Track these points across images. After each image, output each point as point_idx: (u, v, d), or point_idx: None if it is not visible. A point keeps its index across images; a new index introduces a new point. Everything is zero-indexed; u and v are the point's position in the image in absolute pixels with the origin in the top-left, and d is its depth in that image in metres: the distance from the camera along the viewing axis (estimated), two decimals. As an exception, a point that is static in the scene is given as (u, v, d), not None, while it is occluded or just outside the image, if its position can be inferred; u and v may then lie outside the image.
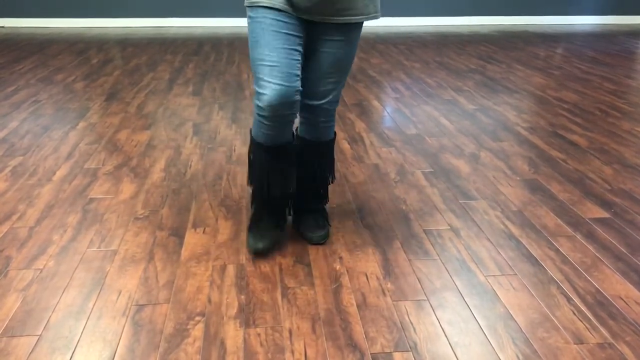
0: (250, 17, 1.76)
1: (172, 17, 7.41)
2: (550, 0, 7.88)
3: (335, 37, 1.79)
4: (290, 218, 2.19)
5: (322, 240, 2.08)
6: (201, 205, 2.37)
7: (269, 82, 1.70)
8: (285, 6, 1.70)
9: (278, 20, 1.70)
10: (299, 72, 1.74)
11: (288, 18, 1.71)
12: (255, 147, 1.89)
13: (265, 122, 1.78)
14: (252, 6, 1.75)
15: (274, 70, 1.69)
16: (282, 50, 1.70)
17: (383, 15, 7.63)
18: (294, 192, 2.02)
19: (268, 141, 1.83)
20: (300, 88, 1.75)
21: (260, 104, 1.74)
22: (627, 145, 3.11)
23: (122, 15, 7.35)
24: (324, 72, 1.85)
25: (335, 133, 2.08)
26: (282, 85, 1.70)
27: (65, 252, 2.01)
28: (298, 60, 1.73)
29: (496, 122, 3.52)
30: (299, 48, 1.75)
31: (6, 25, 7.28)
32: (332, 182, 2.16)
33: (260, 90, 1.72)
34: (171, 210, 2.33)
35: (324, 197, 2.16)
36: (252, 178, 1.96)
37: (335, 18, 1.74)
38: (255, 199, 1.99)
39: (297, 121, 1.96)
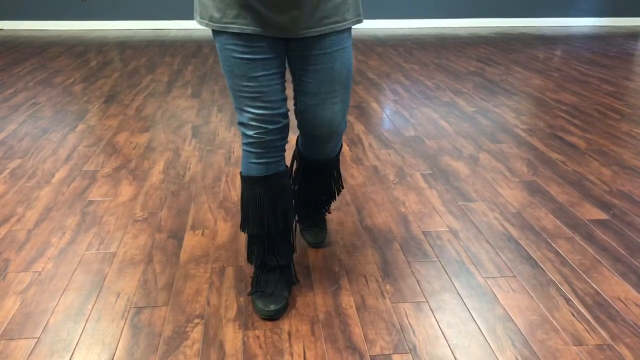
0: (218, 42, 1.55)
1: (171, 19, 7.41)
2: (548, 2, 7.89)
3: (326, 49, 1.58)
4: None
5: (322, 245, 2.08)
6: (200, 208, 2.37)
7: (254, 112, 1.57)
8: (258, 29, 1.50)
9: (251, 46, 1.51)
10: (283, 96, 1.60)
11: (262, 41, 1.52)
12: (247, 184, 1.68)
13: (255, 151, 1.63)
14: (217, 31, 1.54)
15: (256, 101, 1.56)
16: (261, 78, 1.54)
17: (382, 18, 7.64)
18: (293, 225, 1.77)
19: (260, 172, 1.65)
20: (287, 111, 1.62)
21: (247, 133, 1.61)
22: (626, 147, 3.11)
23: (121, 18, 7.36)
24: (325, 92, 1.63)
25: (341, 145, 1.91)
26: (267, 113, 1.57)
27: (64, 255, 2.01)
28: (279, 83, 1.59)
29: (495, 124, 3.52)
30: (279, 69, 1.58)
31: (5, 27, 7.28)
32: (339, 194, 2.10)
33: (245, 121, 1.60)
34: (170, 213, 2.33)
35: (328, 206, 2.08)
36: (248, 220, 1.70)
37: (317, 29, 1.53)
38: (255, 246, 1.74)
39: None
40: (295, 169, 1.97)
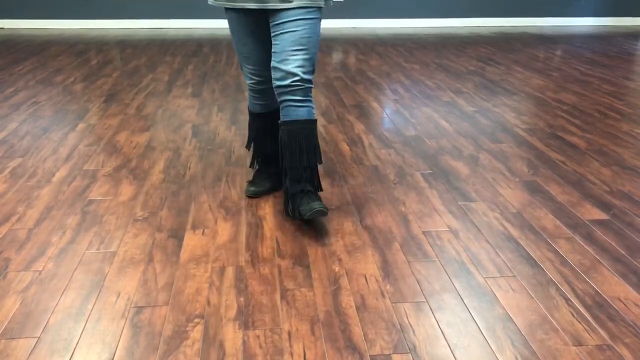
0: (226, 16, 2.22)
1: (171, 18, 7.41)
2: (549, 2, 7.89)
3: (290, 18, 2.03)
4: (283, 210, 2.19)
5: (323, 209, 2.07)
6: (200, 207, 2.37)
7: (248, 67, 2.27)
8: (237, 4, 2.07)
9: (239, 18, 2.16)
10: (267, 56, 2.22)
11: (248, 16, 2.14)
12: (251, 115, 2.43)
13: (254, 94, 2.34)
14: (225, 8, 2.18)
15: (248, 61, 2.25)
16: (249, 44, 2.21)
17: (383, 17, 7.64)
18: (276, 151, 2.42)
19: (258, 109, 2.38)
20: (268, 71, 2.22)
21: (247, 82, 2.33)
22: (626, 147, 3.11)
23: (122, 17, 7.36)
24: (287, 51, 2.06)
25: (316, 119, 2.18)
26: (256, 69, 2.26)
27: (65, 254, 2.01)
28: (265, 49, 2.21)
29: (495, 123, 3.52)
30: (264, 39, 2.19)
31: (6, 26, 7.28)
32: (320, 163, 2.21)
33: (245, 73, 2.31)
34: (170, 212, 2.33)
35: (316, 180, 2.19)
36: (250, 138, 2.46)
37: (280, 4, 2.02)
38: (255, 156, 2.50)
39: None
40: (280, 139, 2.20)
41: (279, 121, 2.18)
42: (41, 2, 7.21)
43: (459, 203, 2.43)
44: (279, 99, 2.15)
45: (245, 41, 2.20)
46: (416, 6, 7.69)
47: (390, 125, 3.46)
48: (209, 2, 2.16)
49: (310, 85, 2.12)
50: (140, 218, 2.28)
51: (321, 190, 2.26)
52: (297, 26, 2.04)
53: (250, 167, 2.64)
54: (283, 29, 2.05)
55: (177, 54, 5.71)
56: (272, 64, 2.10)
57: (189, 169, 2.77)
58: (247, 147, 2.50)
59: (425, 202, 2.44)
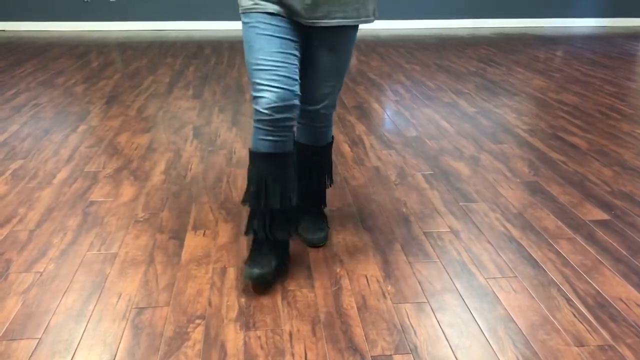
0: (244, 23, 1.72)
1: (172, 20, 7.42)
2: (549, 3, 7.89)
3: (330, 41, 1.78)
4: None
5: (321, 243, 2.08)
6: (201, 208, 2.37)
7: (267, 85, 1.65)
8: (279, 9, 1.67)
9: (272, 24, 1.66)
10: (297, 77, 1.69)
11: (282, 22, 1.68)
12: (255, 158, 1.76)
13: (264, 128, 1.69)
14: (246, 12, 1.71)
15: (271, 74, 1.65)
16: (278, 54, 1.66)
17: (384, 18, 7.65)
18: (292, 205, 1.82)
19: (267, 149, 1.72)
20: (299, 92, 1.70)
21: (258, 108, 1.67)
22: (627, 147, 3.11)
23: (123, 19, 7.37)
24: (321, 77, 1.84)
25: (333, 137, 2.09)
26: (280, 88, 1.65)
27: (66, 255, 2.01)
28: (295, 64, 1.69)
29: (496, 124, 3.52)
30: (296, 52, 1.70)
31: (7, 28, 7.29)
32: (329, 186, 2.16)
33: (258, 95, 1.67)
34: (171, 213, 2.33)
35: (322, 201, 2.16)
36: (250, 191, 1.78)
37: (327, 21, 1.70)
38: (253, 218, 1.81)
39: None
40: None
41: (295, 140, 1.95)
42: (42, 5, 7.22)
43: (460, 204, 2.43)
44: (299, 120, 1.96)
45: (274, 49, 1.67)
46: (417, 7, 7.69)
47: (391, 126, 3.46)
48: (240, 11, 1.74)
49: (334, 109, 1.99)
50: (141, 219, 2.28)
51: (325, 206, 2.19)
52: (343, 48, 1.81)
53: (245, 234, 1.85)
54: (329, 50, 1.79)
55: (178, 55, 5.71)
56: (302, 86, 1.85)
57: (190, 170, 2.78)
58: (245, 202, 1.81)
59: (427, 202, 2.44)
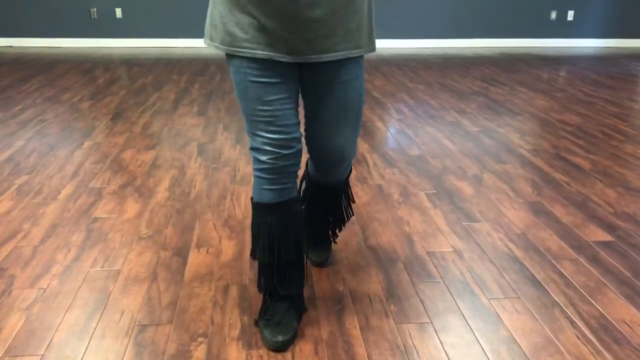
0: (233, 65, 1.54)
1: (178, 37, 7.48)
2: (553, 23, 7.94)
3: (341, 77, 1.58)
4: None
5: (325, 264, 2.08)
6: (205, 225, 2.38)
7: (267, 137, 1.54)
8: (270, 53, 1.48)
9: (265, 69, 1.50)
10: (296, 120, 1.58)
11: (275, 65, 1.51)
12: (259, 211, 1.64)
13: (267, 177, 1.59)
14: (233, 54, 1.52)
15: (269, 125, 1.53)
16: (274, 102, 1.52)
17: (388, 38, 7.70)
18: (306, 254, 1.73)
19: (272, 199, 1.61)
20: (300, 136, 1.59)
21: (260, 158, 1.57)
22: (631, 168, 3.11)
23: (129, 36, 7.43)
24: (338, 120, 1.63)
25: (351, 169, 1.91)
26: (280, 138, 1.54)
27: (69, 272, 2.01)
28: (292, 107, 1.57)
29: (499, 144, 3.53)
30: (292, 94, 1.57)
31: (14, 44, 7.36)
32: (348, 220, 2.03)
33: (258, 146, 1.57)
34: (175, 230, 2.34)
35: (335, 235, 2.08)
36: (259, 247, 1.66)
37: (329, 55, 1.51)
38: (265, 273, 1.69)
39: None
40: (304, 190, 1.97)
41: (306, 174, 1.89)
42: (49, 21, 7.30)
43: (463, 223, 2.43)
44: (313, 161, 1.81)
45: (271, 98, 1.52)
46: (420, 27, 7.75)
47: (394, 145, 3.48)
48: (219, 49, 1.54)
49: (355, 155, 1.78)
50: (145, 236, 2.28)
51: (337, 236, 2.09)
52: (351, 85, 1.60)
53: (258, 290, 1.73)
54: (332, 91, 1.59)
55: (184, 72, 5.76)
56: (318, 133, 1.66)
57: (194, 187, 2.79)
58: (253, 256, 1.70)
59: (430, 222, 2.44)
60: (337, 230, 2.07)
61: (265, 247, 1.63)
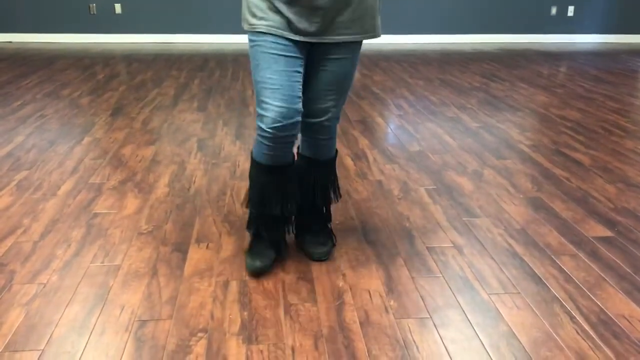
0: (250, 41, 1.79)
1: (177, 33, 7.47)
2: (553, 19, 7.93)
3: (334, 55, 1.81)
4: (292, 236, 2.18)
5: (324, 257, 2.08)
6: (205, 221, 2.38)
7: (271, 104, 1.74)
8: (284, 32, 1.72)
9: (277, 43, 1.73)
10: (300, 94, 1.77)
11: (287, 41, 1.74)
12: (256, 168, 1.91)
13: (267, 143, 1.80)
14: (252, 31, 1.77)
15: (275, 93, 1.73)
16: (282, 73, 1.73)
17: (387, 33, 7.69)
18: (294, 212, 2.00)
19: (269, 162, 1.86)
20: (302, 109, 1.79)
21: (262, 126, 1.77)
22: (631, 164, 3.11)
23: (129, 31, 7.42)
24: (323, 90, 1.87)
25: (337, 151, 2.09)
26: (283, 107, 1.73)
27: (69, 267, 2.01)
28: (299, 82, 1.77)
29: (499, 139, 3.53)
30: (300, 69, 1.78)
31: (14, 40, 7.35)
32: (337, 201, 2.16)
33: (263, 113, 1.76)
34: (175, 226, 2.34)
35: (327, 217, 2.16)
36: (252, 197, 1.96)
37: (333, 37, 1.76)
38: (254, 219, 1.99)
39: (298, 139, 1.96)
40: (296, 164, 2.06)
41: (297, 150, 2.05)
42: (49, 17, 7.29)
43: (463, 219, 2.43)
44: (302, 133, 1.98)
45: (280, 68, 1.75)
46: (420, 22, 7.74)
47: (394, 141, 3.47)
48: (245, 28, 1.80)
49: (338, 122, 2.00)
50: (145, 231, 2.28)
51: (329, 222, 2.18)
52: (347, 62, 1.84)
53: (247, 229, 2.07)
54: (331, 65, 1.83)
55: (183, 68, 5.75)
56: (306, 99, 1.88)
57: (194, 182, 2.79)
58: (244, 204, 2.10)
59: (430, 217, 2.44)
60: (325, 214, 2.14)
61: (256, 200, 1.94)
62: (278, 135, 1.77)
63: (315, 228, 2.13)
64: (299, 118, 1.78)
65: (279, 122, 1.74)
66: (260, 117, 1.77)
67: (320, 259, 2.07)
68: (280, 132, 1.76)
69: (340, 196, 2.15)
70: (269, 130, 1.76)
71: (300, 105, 1.77)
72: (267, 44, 1.73)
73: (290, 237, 2.17)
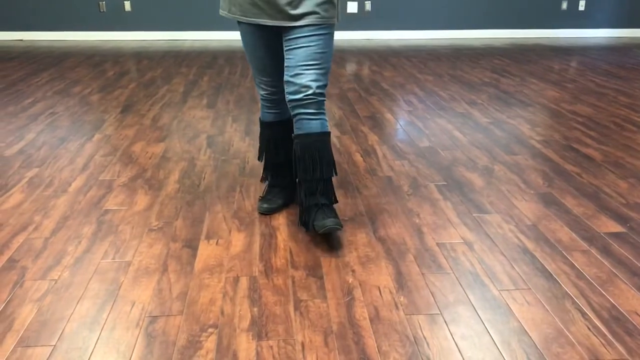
0: (239, 29, 2.24)
1: (186, 30, 7.48)
2: (564, 13, 7.87)
3: (305, 34, 2.06)
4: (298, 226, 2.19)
5: (338, 226, 2.07)
6: (214, 217, 2.38)
7: (260, 79, 2.30)
8: (255, 19, 2.09)
9: (253, 33, 2.18)
10: (279, 70, 2.24)
11: (262, 29, 2.16)
12: (262, 126, 2.43)
13: (266, 105, 2.37)
14: (238, 22, 2.20)
15: (261, 72, 2.28)
16: (263, 57, 2.23)
17: (397, 29, 7.66)
18: (291, 161, 2.36)
19: (272, 118, 2.39)
20: (281, 85, 2.26)
21: (259, 92, 2.34)
22: (643, 159, 3.08)
23: (138, 29, 7.44)
24: (299, 67, 2.08)
25: (329, 129, 2.18)
26: (269, 80, 2.29)
27: (80, 263, 2.03)
28: (278, 61, 2.23)
29: (510, 135, 3.51)
30: (277, 51, 2.21)
31: (24, 38, 7.39)
32: (335, 175, 2.21)
33: (258, 84, 2.34)
34: (185, 222, 2.34)
35: (330, 193, 2.19)
36: (263, 150, 2.45)
37: (298, 22, 2.04)
38: (267, 167, 2.47)
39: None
40: (294, 151, 2.21)
41: (293, 135, 2.19)
42: (59, 15, 7.32)
43: (474, 215, 2.42)
44: (292, 112, 2.16)
45: (259, 54, 2.21)
46: (429, 18, 7.70)
47: (404, 137, 3.46)
48: (221, 14, 2.19)
49: (323, 99, 2.13)
50: (155, 228, 2.29)
51: (336, 202, 2.25)
52: (310, 42, 2.06)
53: (261, 181, 2.59)
54: (296, 44, 2.07)
55: (193, 65, 5.76)
56: (285, 78, 2.11)
57: (204, 179, 2.79)
58: (259, 158, 2.49)
59: (440, 213, 2.44)
60: (326, 186, 2.19)
61: (263, 150, 2.46)
62: (271, 98, 2.33)
63: (322, 202, 2.14)
64: (281, 88, 2.29)
65: (268, 90, 2.31)
66: (257, 86, 2.34)
67: (335, 227, 2.06)
68: (272, 96, 2.33)
69: (336, 173, 2.28)
70: (265, 95, 2.33)
71: (278, 82, 2.28)
72: (246, 32, 2.19)
73: (296, 235, 2.17)
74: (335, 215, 2.13)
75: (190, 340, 1.63)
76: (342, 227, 2.11)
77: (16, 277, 1.93)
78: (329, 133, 2.18)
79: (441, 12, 7.69)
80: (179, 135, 3.48)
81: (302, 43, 2.07)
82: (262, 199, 2.46)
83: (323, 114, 2.15)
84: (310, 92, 2.08)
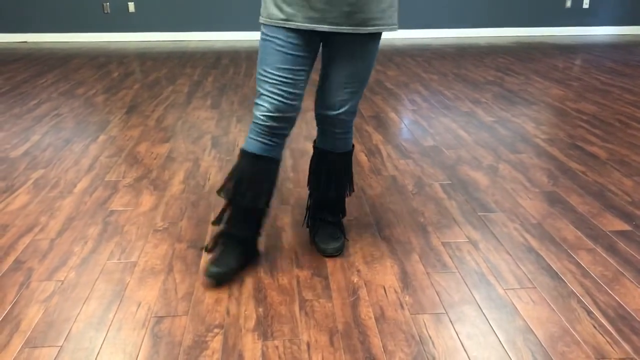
0: (262, 33, 1.78)
1: (191, 31, 7.50)
2: (568, 11, 7.84)
3: (353, 47, 1.81)
4: (291, 239, 2.18)
5: (336, 253, 2.08)
6: (219, 218, 2.39)
7: (268, 96, 1.77)
8: (300, 24, 1.70)
9: (288, 42, 1.72)
10: (301, 92, 1.79)
11: (300, 38, 1.73)
12: (242, 155, 1.86)
13: (257, 130, 1.82)
14: (267, 24, 1.76)
15: (274, 87, 1.75)
16: (286, 71, 1.74)
17: (400, 28, 7.66)
18: (262, 207, 1.89)
19: (256, 150, 1.83)
20: (299, 107, 1.81)
21: (257, 114, 1.80)
22: (648, 157, 3.07)
23: (142, 30, 7.46)
24: (341, 83, 1.87)
25: (353, 146, 2.09)
26: (280, 101, 1.77)
27: (86, 264, 2.03)
28: (302, 79, 1.78)
29: (514, 134, 3.50)
30: (306, 68, 1.79)
31: (29, 40, 7.42)
32: (349, 195, 2.16)
33: (259, 102, 1.79)
34: (190, 222, 2.35)
35: (341, 211, 2.16)
36: (226, 184, 1.87)
37: (352, 28, 1.72)
38: (226, 212, 1.91)
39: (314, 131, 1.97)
40: (311, 158, 2.10)
41: (314, 144, 2.07)
42: (63, 16, 7.34)
43: (479, 214, 2.42)
44: (317, 124, 2.01)
45: (298, 65, 1.76)
46: (434, 17, 7.69)
47: (408, 136, 3.46)
48: (261, 21, 1.78)
49: (354, 117, 1.99)
50: (161, 228, 2.30)
51: (344, 216, 2.20)
52: (363, 52, 1.82)
53: (213, 223, 1.93)
54: (353, 56, 1.82)
55: (197, 66, 5.77)
56: (324, 90, 1.90)
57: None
58: (221, 194, 1.88)
59: (444, 212, 2.43)
60: (338, 204, 2.14)
61: (231, 186, 1.85)
62: (270, 125, 1.79)
63: (329, 220, 2.13)
64: (294, 114, 1.81)
65: (273, 113, 1.78)
66: (256, 106, 1.80)
67: (333, 255, 2.07)
68: (272, 122, 1.79)
69: (354, 190, 2.17)
70: (261, 118, 1.79)
71: (298, 103, 1.80)
72: (278, 40, 1.72)
73: (301, 235, 2.17)
74: (338, 237, 2.11)
75: (196, 340, 1.64)
76: (342, 252, 2.10)
77: (22, 279, 1.94)
78: (351, 151, 2.08)
79: (445, 11, 7.67)
80: (183, 135, 3.49)
81: (354, 53, 1.81)
82: (214, 259, 1.92)
83: (350, 131, 2.02)
84: (345, 109, 1.92)
